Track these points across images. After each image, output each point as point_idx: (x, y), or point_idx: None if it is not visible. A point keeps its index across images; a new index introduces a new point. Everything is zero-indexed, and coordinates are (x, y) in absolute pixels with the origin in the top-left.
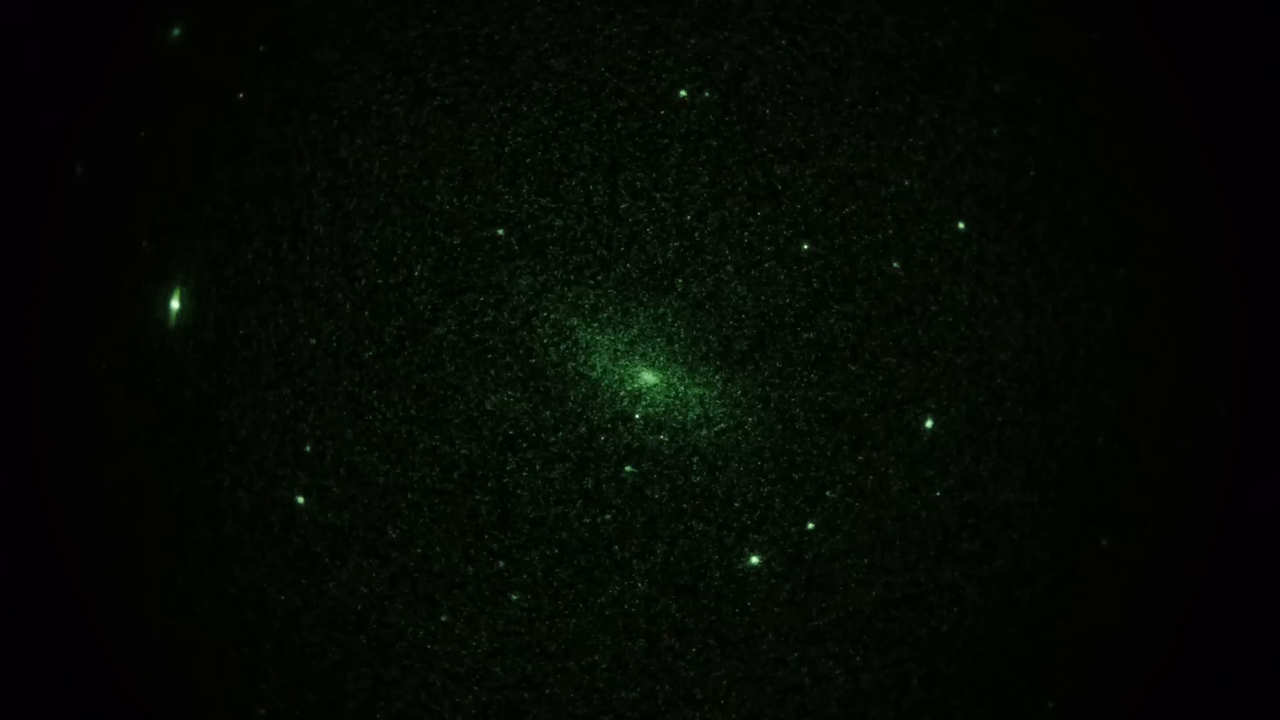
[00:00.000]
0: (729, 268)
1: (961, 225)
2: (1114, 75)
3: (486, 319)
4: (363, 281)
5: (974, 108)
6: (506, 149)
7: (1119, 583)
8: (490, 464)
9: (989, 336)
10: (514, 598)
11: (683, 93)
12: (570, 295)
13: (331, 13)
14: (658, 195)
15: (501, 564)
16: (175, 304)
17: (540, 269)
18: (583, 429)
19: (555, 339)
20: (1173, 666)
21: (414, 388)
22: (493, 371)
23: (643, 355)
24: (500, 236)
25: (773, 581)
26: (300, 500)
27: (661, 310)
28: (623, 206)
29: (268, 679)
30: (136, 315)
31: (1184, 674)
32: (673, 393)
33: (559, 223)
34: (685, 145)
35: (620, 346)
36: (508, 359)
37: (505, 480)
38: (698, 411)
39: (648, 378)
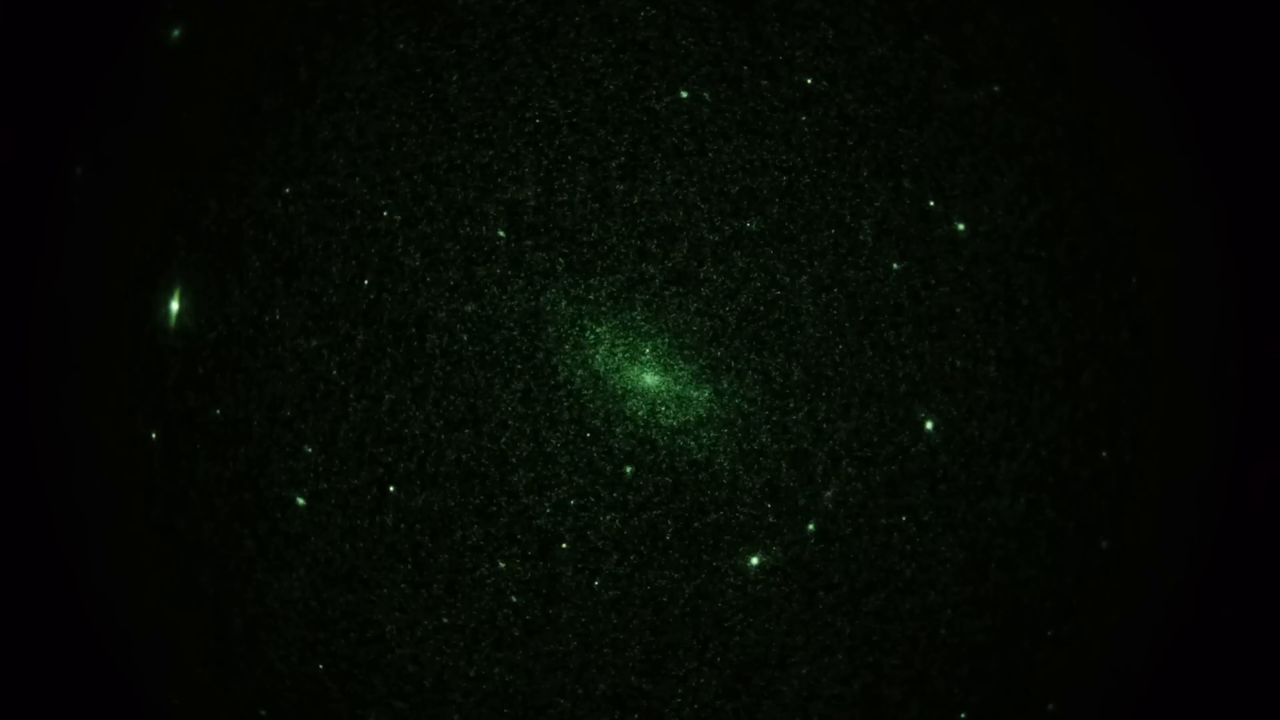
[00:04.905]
0: (732, 270)
1: (961, 226)
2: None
3: (486, 321)
4: (365, 280)
5: (968, 108)
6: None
7: (1119, 583)
8: (488, 464)
9: (990, 338)
10: (514, 600)
11: (683, 93)
12: (572, 294)
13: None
14: (661, 196)
15: (502, 565)
16: (175, 305)
17: (541, 269)
18: (583, 429)
19: (556, 338)
20: (1173, 667)
21: (415, 386)
22: (494, 372)
23: (643, 355)
24: (501, 237)
25: (772, 582)
26: (300, 501)
27: (663, 310)
28: (626, 208)
29: (268, 679)
30: (136, 316)
31: (1184, 674)
32: (674, 393)
33: (566, 220)
34: (687, 146)
35: (621, 346)
36: (511, 360)
37: (505, 481)
38: (698, 412)
39: (649, 379)
